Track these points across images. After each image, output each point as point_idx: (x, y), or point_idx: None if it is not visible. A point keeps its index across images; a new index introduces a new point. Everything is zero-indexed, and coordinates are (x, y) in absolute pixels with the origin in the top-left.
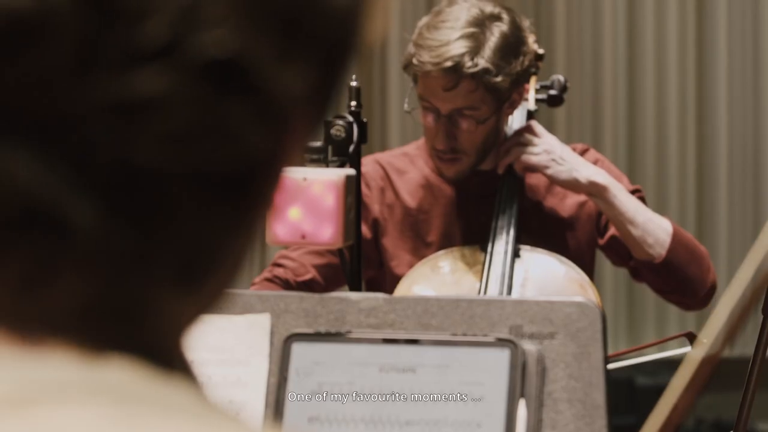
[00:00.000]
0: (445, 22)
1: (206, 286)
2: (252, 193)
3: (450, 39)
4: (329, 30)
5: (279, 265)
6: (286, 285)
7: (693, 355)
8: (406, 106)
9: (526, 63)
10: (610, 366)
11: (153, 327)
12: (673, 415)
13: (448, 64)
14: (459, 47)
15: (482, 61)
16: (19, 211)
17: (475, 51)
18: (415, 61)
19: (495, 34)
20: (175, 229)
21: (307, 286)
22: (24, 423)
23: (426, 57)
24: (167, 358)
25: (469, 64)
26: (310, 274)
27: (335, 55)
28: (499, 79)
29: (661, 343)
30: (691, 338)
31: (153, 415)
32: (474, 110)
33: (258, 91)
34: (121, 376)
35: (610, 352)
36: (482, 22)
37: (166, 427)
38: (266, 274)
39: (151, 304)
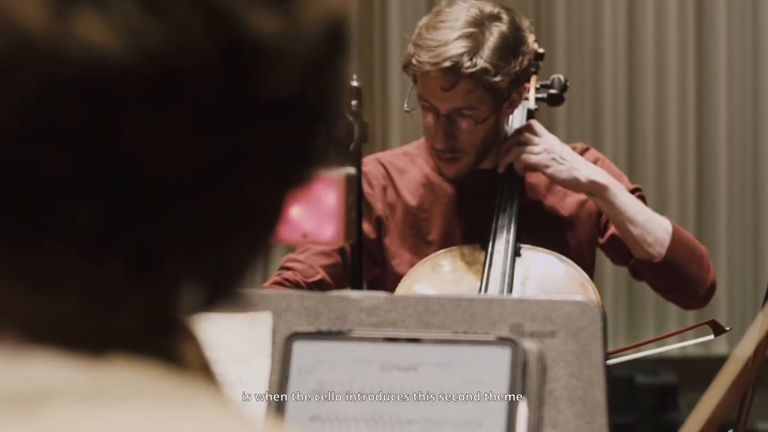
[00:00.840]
0: (444, 22)
1: (220, 291)
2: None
3: (449, 39)
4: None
5: (287, 269)
6: (296, 287)
7: (738, 352)
8: (405, 105)
9: (525, 63)
10: (636, 355)
11: (165, 329)
12: (716, 412)
13: (447, 64)
14: (458, 47)
15: (481, 61)
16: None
17: (473, 51)
18: (414, 61)
19: (494, 34)
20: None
21: (318, 287)
22: (35, 422)
23: (425, 57)
24: (177, 356)
25: (467, 64)
26: (320, 275)
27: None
28: (497, 78)
29: (684, 331)
30: (715, 327)
31: (163, 413)
32: (473, 110)
33: (331, 126)
34: (131, 376)
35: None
36: (481, 22)
37: (176, 423)
38: (275, 278)
39: (166, 309)
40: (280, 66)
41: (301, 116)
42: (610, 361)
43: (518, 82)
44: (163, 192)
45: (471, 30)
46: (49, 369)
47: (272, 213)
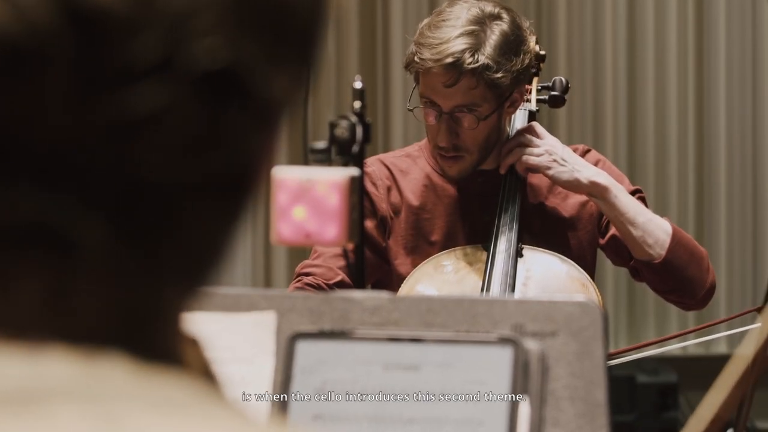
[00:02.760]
0: (446, 21)
1: (205, 277)
2: (246, 191)
3: (450, 36)
4: (306, 23)
5: (306, 274)
6: (319, 291)
7: (742, 351)
8: (408, 105)
9: (527, 61)
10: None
11: (160, 327)
12: (719, 411)
13: (449, 60)
14: (459, 44)
15: (482, 58)
16: (24, 232)
17: (475, 48)
18: (416, 59)
19: (495, 32)
20: (182, 236)
21: (339, 288)
22: (25, 422)
23: (427, 54)
24: (175, 355)
25: (469, 60)
26: (339, 276)
27: (312, 49)
28: (499, 75)
29: (732, 319)
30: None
31: (153, 414)
32: (475, 107)
33: (253, 97)
34: (124, 377)
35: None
36: (483, 21)
37: (166, 424)
38: (295, 284)
39: (158, 305)
40: (135, 31)
41: (182, 81)
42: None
43: (519, 81)
44: (45, 166)
45: (473, 28)
46: (44, 368)
47: (185, 191)
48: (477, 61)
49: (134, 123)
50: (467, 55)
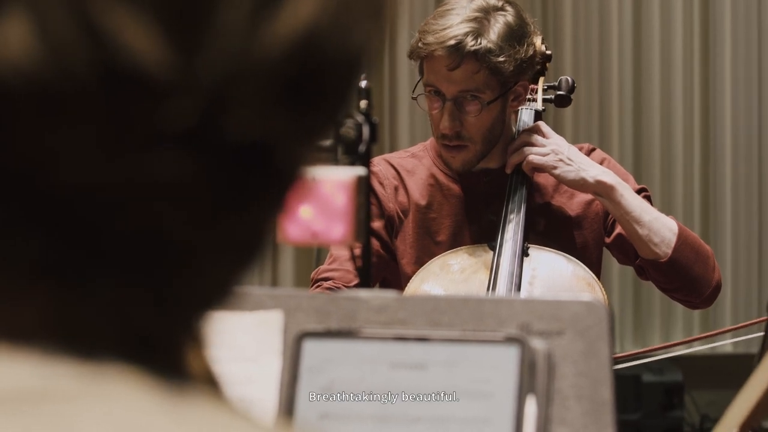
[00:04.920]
0: (451, 10)
1: (212, 307)
2: (260, 246)
3: (454, 22)
4: (344, 88)
5: (325, 279)
6: None
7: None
8: (413, 93)
9: (530, 52)
10: (645, 360)
11: (162, 340)
12: (751, 415)
13: (452, 42)
14: (462, 28)
15: (485, 42)
16: (28, 268)
17: (478, 32)
18: (419, 44)
19: (499, 21)
20: (187, 282)
21: None
22: (35, 419)
23: (430, 39)
24: (179, 365)
25: (471, 42)
26: (357, 279)
27: (341, 107)
28: (501, 59)
29: (739, 329)
30: None
31: (152, 422)
32: (478, 93)
33: (279, 168)
34: (129, 385)
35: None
36: (487, 11)
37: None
38: (317, 291)
39: (167, 332)
40: (171, 96)
41: (211, 150)
42: (635, 363)
43: (523, 72)
44: (57, 214)
45: (476, 14)
46: (49, 371)
47: (200, 250)
48: (479, 44)
49: (155, 186)
50: (469, 38)
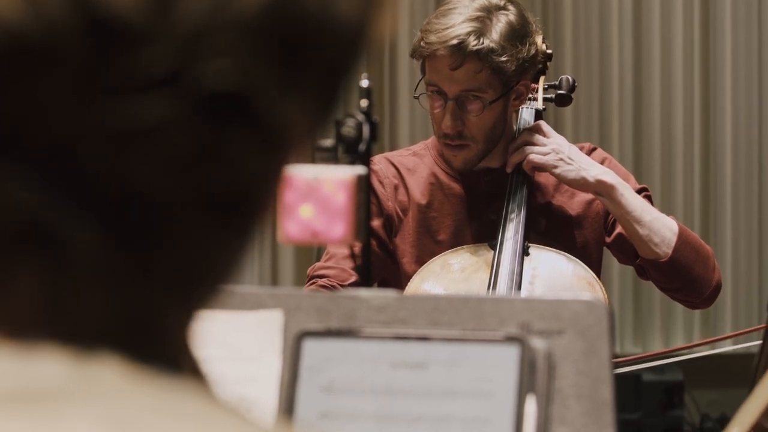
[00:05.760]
0: (453, 9)
1: (203, 291)
2: (247, 213)
3: (456, 22)
4: (333, 51)
5: (320, 276)
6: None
7: None
8: (414, 93)
9: (532, 52)
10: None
11: (155, 331)
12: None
13: (454, 42)
14: (465, 27)
15: (487, 41)
16: (20, 228)
17: (480, 32)
18: (422, 43)
19: (501, 20)
20: (172, 247)
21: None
22: (21, 421)
23: (433, 38)
24: (173, 359)
25: (474, 42)
26: (353, 277)
27: (337, 79)
28: (504, 59)
29: (739, 335)
30: None
31: (144, 417)
32: (480, 92)
33: (259, 120)
34: (116, 379)
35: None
36: (489, 10)
37: (157, 428)
38: (310, 287)
39: (153, 311)
40: (148, 43)
41: (189, 97)
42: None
43: (525, 71)
44: (43, 161)
45: (479, 14)
46: (40, 368)
47: (178, 201)
48: (482, 44)
49: (134, 132)
50: (472, 38)
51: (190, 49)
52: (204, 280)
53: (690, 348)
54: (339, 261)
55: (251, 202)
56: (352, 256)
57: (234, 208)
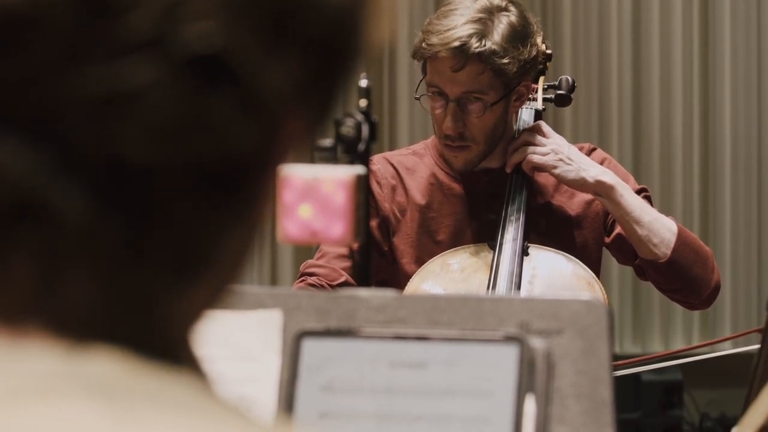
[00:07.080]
0: (454, 10)
1: (206, 280)
2: (245, 189)
3: (458, 23)
4: (320, 28)
5: (310, 274)
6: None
7: None
8: (415, 93)
9: (534, 53)
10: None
11: (151, 320)
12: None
13: (456, 44)
14: (467, 29)
15: (489, 43)
16: (10, 202)
17: (482, 34)
18: (423, 45)
19: (503, 22)
20: (168, 223)
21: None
22: (12, 417)
23: (434, 39)
24: (171, 351)
25: (476, 44)
26: (343, 277)
27: (329, 55)
28: (506, 61)
29: (738, 337)
30: None
31: (141, 409)
32: (482, 94)
33: (242, 85)
34: (112, 370)
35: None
36: (491, 11)
37: (155, 420)
38: (299, 284)
39: (149, 297)
40: (131, 7)
41: (172, 60)
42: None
43: (526, 72)
44: (32, 128)
45: (480, 15)
46: (35, 362)
47: (161, 171)
48: (483, 46)
49: (119, 96)
50: (474, 39)
51: (173, 11)
52: (203, 265)
53: (689, 350)
54: (330, 260)
55: (249, 179)
56: (351, 255)
57: (231, 183)
